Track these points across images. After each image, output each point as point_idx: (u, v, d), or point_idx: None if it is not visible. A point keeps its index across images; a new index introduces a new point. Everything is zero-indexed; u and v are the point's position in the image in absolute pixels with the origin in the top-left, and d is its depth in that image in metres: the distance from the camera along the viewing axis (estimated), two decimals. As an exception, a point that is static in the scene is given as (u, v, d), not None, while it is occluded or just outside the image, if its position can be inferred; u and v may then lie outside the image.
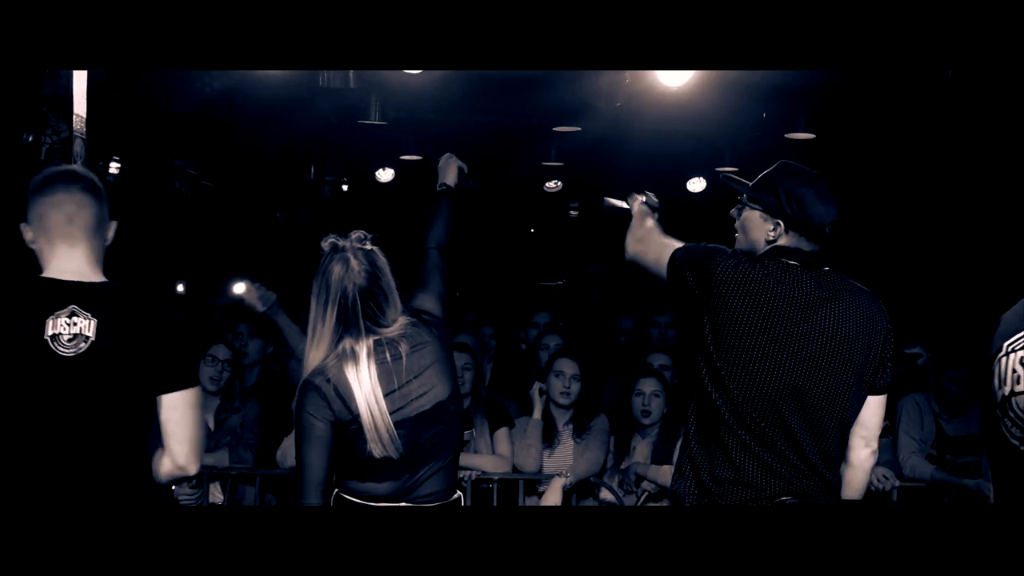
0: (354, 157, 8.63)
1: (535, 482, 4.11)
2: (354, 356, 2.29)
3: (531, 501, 4.11)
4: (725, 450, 2.37)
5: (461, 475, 4.00)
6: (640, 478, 4.09)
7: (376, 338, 2.33)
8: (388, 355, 2.33)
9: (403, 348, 2.35)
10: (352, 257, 2.32)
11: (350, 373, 2.29)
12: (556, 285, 10.52)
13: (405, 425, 2.32)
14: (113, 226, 2.31)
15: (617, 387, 4.75)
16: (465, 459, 4.04)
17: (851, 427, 2.45)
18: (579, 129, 6.70)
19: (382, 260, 2.38)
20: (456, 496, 2.45)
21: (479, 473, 4.03)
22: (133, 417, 2.21)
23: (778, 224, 2.44)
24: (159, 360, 2.20)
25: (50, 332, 2.11)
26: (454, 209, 2.74)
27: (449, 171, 2.84)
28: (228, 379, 4.20)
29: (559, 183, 9.76)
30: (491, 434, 4.13)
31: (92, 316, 2.13)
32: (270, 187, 9.34)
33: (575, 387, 4.16)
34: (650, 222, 2.67)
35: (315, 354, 2.33)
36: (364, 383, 2.28)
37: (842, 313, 2.39)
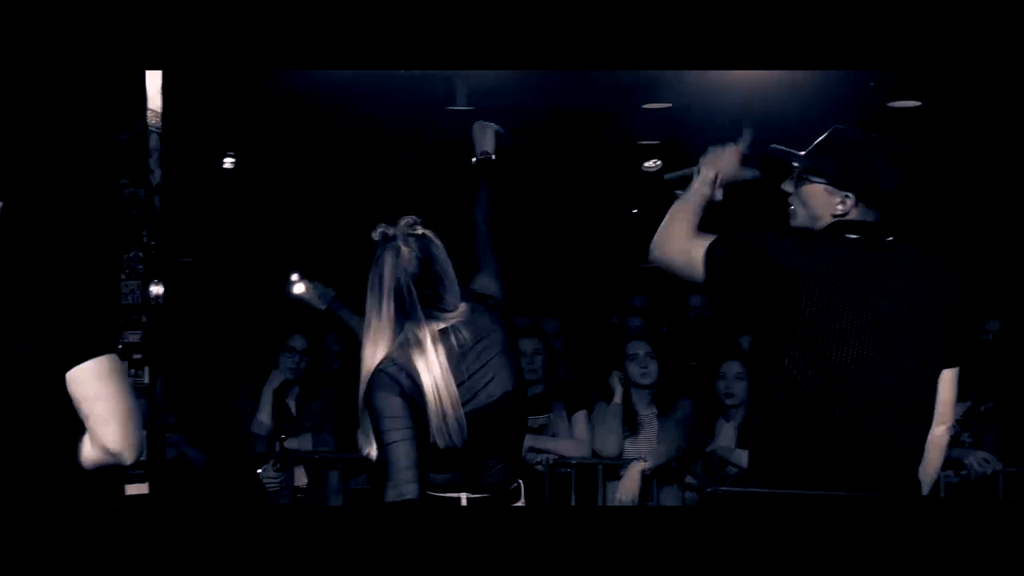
0: (443, 144, 8.67)
1: (615, 467, 4.04)
2: (419, 344, 2.23)
3: (611, 486, 4.04)
4: (795, 439, 2.24)
5: (537, 459, 3.97)
6: (724, 462, 3.97)
7: (440, 326, 2.27)
8: (455, 343, 2.27)
9: (468, 337, 2.28)
10: (403, 245, 2.26)
11: (419, 361, 2.22)
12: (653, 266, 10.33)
13: (472, 416, 2.25)
14: None
15: (698, 369, 4.63)
16: (541, 442, 4.00)
17: (925, 404, 2.29)
18: (669, 105, 6.53)
19: (435, 244, 2.31)
20: (515, 485, 2.39)
21: (556, 457, 3.98)
22: (39, 404, 1.90)
23: (847, 196, 2.24)
24: (59, 333, 1.88)
25: None
26: (496, 178, 2.62)
27: (486, 137, 2.68)
28: (307, 366, 4.28)
29: (658, 162, 9.56)
30: (569, 418, 4.07)
31: None
32: (368, 176, 9.47)
33: (652, 366, 4.07)
34: (689, 212, 2.35)
35: (372, 349, 2.27)
36: (434, 370, 2.21)
37: (908, 285, 2.21)
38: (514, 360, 2.35)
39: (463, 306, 2.32)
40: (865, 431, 2.20)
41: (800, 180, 2.32)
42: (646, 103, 6.56)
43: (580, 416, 4.08)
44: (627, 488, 3.88)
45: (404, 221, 2.31)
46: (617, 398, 4.08)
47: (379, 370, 2.24)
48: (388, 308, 2.25)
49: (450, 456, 2.26)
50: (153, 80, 3.51)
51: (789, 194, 2.36)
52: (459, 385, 2.24)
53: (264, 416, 4.34)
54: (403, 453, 2.15)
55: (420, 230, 2.31)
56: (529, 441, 3.98)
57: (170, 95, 3.61)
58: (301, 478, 4.27)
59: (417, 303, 2.24)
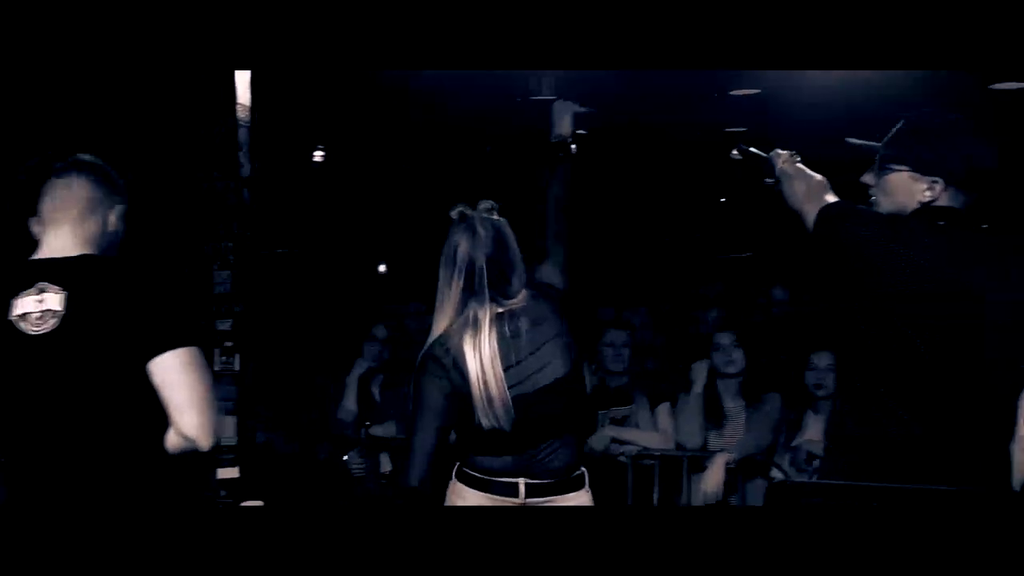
0: (529, 134, 8.66)
1: (700, 459, 3.99)
2: (475, 324, 2.28)
3: (695, 479, 3.99)
4: (877, 429, 2.19)
5: (620, 450, 3.95)
6: (812, 456, 3.88)
7: (500, 309, 2.32)
8: (508, 328, 2.31)
9: (523, 323, 2.32)
10: (479, 226, 2.32)
11: (468, 343, 2.28)
12: (745, 256, 10.16)
13: (522, 401, 2.29)
14: (116, 210, 2.18)
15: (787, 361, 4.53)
16: (625, 434, 3.97)
17: (1011, 397, 2.20)
18: (758, 91, 6.39)
19: (509, 230, 2.36)
20: (579, 472, 2.40)
21: (639, 449, 3.96)
22: (127, 391, 1.98)
23: (936, 182, 2.16)
24: (144, 323, 1.97)
25: (17, 312, 1.98)
26: (570, 163, 2.60)
27: (564, 120, 2.66)
28: (390, 354, 4.35)
29: (751, 148, 9.38)
30: (652, 409, 4.04)
31: (62, 289, 1.98)
32: (454, 167, 9.53)
33: (738, 355, 4.00)
34: (816, 177, 2.36)
35: (440, 323, 2.34)
36: (484, 351, 2.26)
37: (999, 272, 2.13)
38: (569, 346, 2.37)
39: (524, 292, 2.36)
40: (946, 422, 2.13)
41: (882, 170, 2.25)
42: (734, 90, 6.43)
43: (663, 408, 4.04)
44: (711, 481, 3.83)
45: (483, 205, 2.38)
46: (698, 388, 4.02)
47: (428, 353, 2.31)
48: (457, 283, 2.31)
49: (501, 440, 2.31)
50: (242, 76, 3.59)
51: (870, 187, 2.30)
52: (508, 368, 2.28)
53: (349, 403, 4.43)
54: (423, 439, 2.26)
55: (496, 215, 2.37)
56: (612, 432, 3.96)
57: (259, 91, 3.68)
58: (386, 464, 4.34)
59: (485, 283, 2.29)
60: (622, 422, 4.03)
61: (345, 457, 4.19)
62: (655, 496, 3.96)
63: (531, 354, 2.32)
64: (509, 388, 2.28)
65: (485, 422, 2.27)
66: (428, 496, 2.25)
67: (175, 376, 1.96)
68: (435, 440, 2.28)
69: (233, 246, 3.50)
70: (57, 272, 2.01)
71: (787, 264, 4.90)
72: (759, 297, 5.30)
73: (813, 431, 3.96)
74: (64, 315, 1.96)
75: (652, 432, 4.01)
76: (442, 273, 2.34)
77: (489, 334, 2.27)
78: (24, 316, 1.97)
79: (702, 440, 4.00)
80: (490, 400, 2.25)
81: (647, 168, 9.04)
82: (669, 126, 7.74)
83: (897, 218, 2.23)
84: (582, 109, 2.69)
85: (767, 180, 2.47)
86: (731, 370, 4.03)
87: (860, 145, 2.34)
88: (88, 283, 1.99)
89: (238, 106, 3.57)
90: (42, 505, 1.97)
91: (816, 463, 3.81)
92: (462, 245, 2.31)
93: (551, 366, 2.33)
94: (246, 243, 3.56)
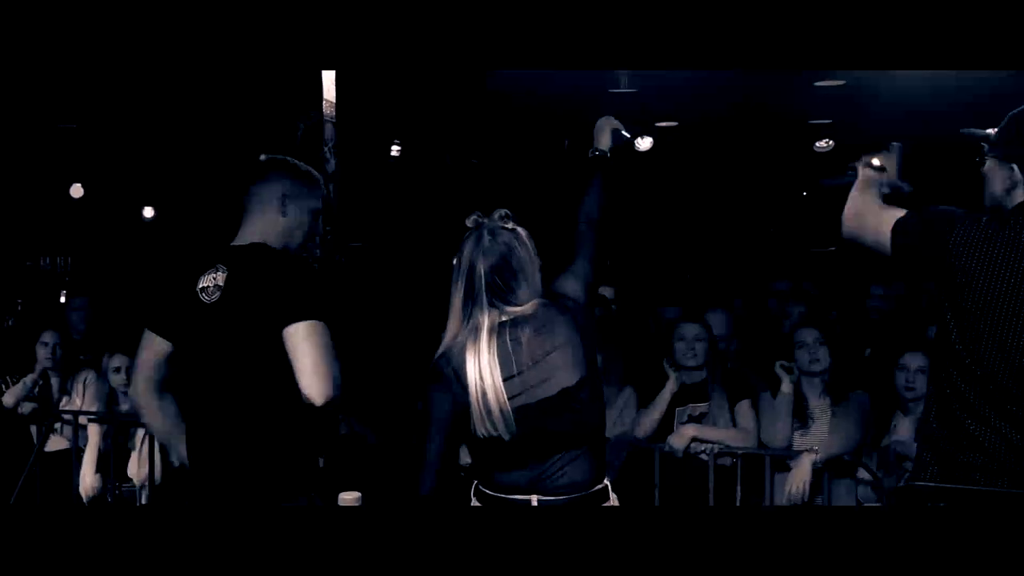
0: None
1: (783, 459, 3.91)
2: (476, 332, 2.26)
3: (778, 479, 3.92)
4: (972, 435, 2.12)
5: (702, 448, 3.89)
6: (902, 457, 3.78)
7: (502, 318, 2.27)
8: (508, 337, 2.26)
9: (526, 332, 2.26)
10: (487, 233, 2.30)
11: (469, 351, 2.25)
12: (828, 251, 9.94)
13: (525, 412, 2.23)
14: (297, 204, 2.60)
15: (875, 360, 4.42)
16: (706, 431, 3.92)
17: None
18: (843, 83, 6.25)
19: (521, 240, 2.32)
20: (600, 487, 2.32)
21: (721, 447, 3.90)
22: (273, 354, 2.38)
23: (1011, 168, 2.18)
24: (280, 298, 2.38)
25: (199, 286, 2.48)
26: (608, 177, 2.55)
27: (603, 134, 2.62)
28: None
29: (831, 142, 9.18)
30: (731, 407, 3.97)
31: (227, 270, 2.46)
32: (527, 161, 9.53)
33: (822, 352, 3.91)
34: (871, 192, 2.37)
35: (449, 332, 2.33)
36: (482, 359, 2.23)
37: None
38: (581, 356, 2.28)
39: (535, 302, 2.30)
40: None
41: (983, 158, 2.28)
42: (818, 81, 6.30)
43: (744, 405, 3.96)
44: (797, 480, 3.76)
45: (497, 213, 2.35)
46: (786, 387, 3.94)
47: (435, 363, 2.30)
48: (459, 290, 2.30)
49: (505, 453, 2.25)
50: (328, 73, 3.64)
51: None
52: (510, 378, 2.24)
53: None
54: (431, 450, 2.27)
55: (510, 224, 2.33)
56: (693, 430, 3.91)
57: (344, 87, 3.73)
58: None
59: (484, 290, 2.27)
60: (699, 420, 3.97)
61: None
62: (737, 496, 3.90)
63: (535, 363, 2.26)
64: (510, 399, 2.22)
65: (481, 431, 2.22)
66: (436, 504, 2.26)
67: (301, 344, 2.34)
68: (443, 449, 2.27)
69: (319, 241, 3.56)
70: (228, 256, 2.50)
71: (880, 261, 4.76)
72: (851, 294, 5.18)
73: (903, 431, 3.85)
74: (223, 289, 2.45)
75: (731, 429, 3.95)
76: (453, 281, 2.33)
77: (488, 342, 2.24)
78: (203, 290, 2.47)
79: (788, 440, 3.92)
80: (488, 410, 2.20)
81: (728, 164, 8.92)
82: (751, 120, 7.62)
83: (992, 216, 2.17)
84: (622, 130, 2.66)
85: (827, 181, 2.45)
86: (816, 368, 3.94)
87: (974, 135, 2.33)
88: (248, 266, 2.46)
89: (324, 103, 3.62)
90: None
91: (906, 464, 3.71)
92: (466, 251, 2.30)
93: (557, 377, 2.25)
94: (330, 239, 3.61)
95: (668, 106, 7.46)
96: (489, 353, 2.24)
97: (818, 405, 3.96)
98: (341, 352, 2.32)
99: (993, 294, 2.09)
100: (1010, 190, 2.20)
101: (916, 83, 6.00)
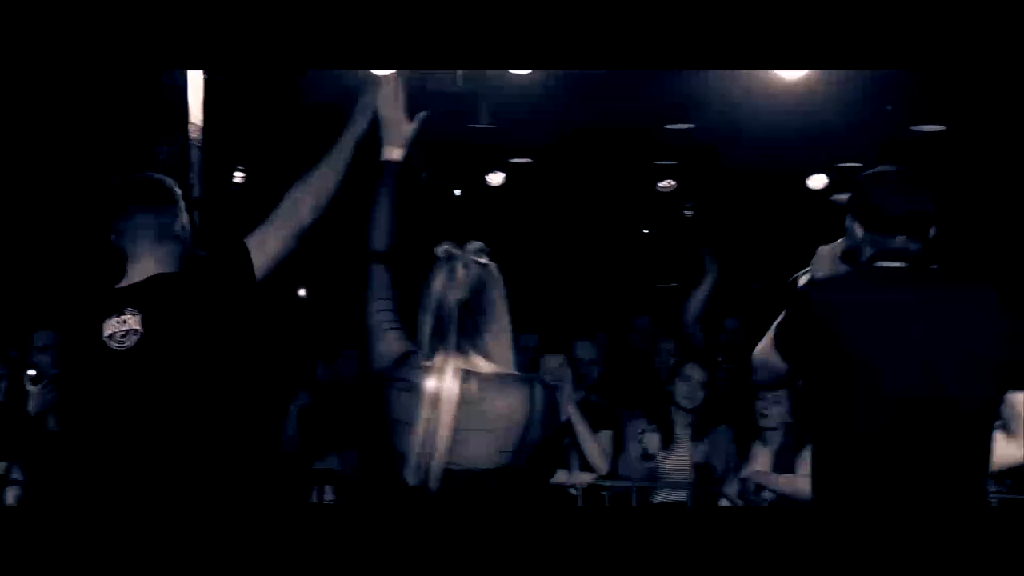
0: (464, 161, 8.67)
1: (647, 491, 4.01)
2: (440, 372, 2.12)
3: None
4: (856, 482, 2.22)
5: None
6: (760, 487, 3.92)
7: (466, 366, 2.13)
8: (462, 389, 2.12)
9: (484, 391, 2.12)
10: (460, 266, 2.17)
11: (428, 386, 2.12)
12: (671, 287, 10.33)
13: (447, 475, 2.11)
14: (182, 220, 2.43)
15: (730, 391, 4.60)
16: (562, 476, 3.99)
17: (991, 432, 2.27)
18: (692, 126, 6.54)
19: (493, 278, 2.20)
20: None
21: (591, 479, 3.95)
22: (218, 391, 2.29)
23: (854, 223, 2.32)
24: (216, 288, 2.30)
25: (105, 333, 2.28)
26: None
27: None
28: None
29: (672, 182, 9.58)
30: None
31: (138, 311, 2.28)
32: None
33: (700, 394, 4.05)
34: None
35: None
36: (440, 403, 2.10)
37: (950, 313, 2.22)
38: (524, 441, 2.14)
39: (503, 367, 2.17)
40: (921, 460, 2.19)
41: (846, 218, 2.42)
42: (668, 123, 6.58)
43: (605, 436, 4.08)
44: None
45: (471, 246, 2.22)
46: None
47: (386, 376, 2.21)
48: (427, 322, 2.16)
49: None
50: (195, 95, 3.50)
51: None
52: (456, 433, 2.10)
53: None
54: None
55: (484, 259, 2.21)
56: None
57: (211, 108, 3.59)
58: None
59: (454, 327, 2.14)
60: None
61: None
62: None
63: (475, 430, 2.12)
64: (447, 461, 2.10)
65: (412, 478, 2.11)
66: None
67: (265, 241, 2.32)
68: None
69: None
70: (135, 296, 2.31)
71: (735, 294, 4.96)
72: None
73: (760, 462, 4.00)
74: (143, 334, 2.26)
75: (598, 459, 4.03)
76: (420, 313, 2.19)
77: (452, 384, 2.11)
78: (111, 336, 2.27)
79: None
80: (428, 466, 2.09)
81: (578, 199, 9.14)
82: (605, 158, 7.85)
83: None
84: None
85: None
86: (688, 406, 4.09)
87: (838, 200, 2.48)
88: (164, 303, 2.29)
89: (191, 125, 3.47)
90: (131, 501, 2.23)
91: (766, 494, 3.85)
92: (438, 283, 2.16)
93: (488, 453, 2.12)
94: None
95: (523, 143, 7.60)
96: (446, 400, 2.10)
97: (683, 432, 4.11)
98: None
99: (854, 347, 2.20)
100: (859, 246, 2.33)
101: (759, 128, 6.35)
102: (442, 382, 2.11)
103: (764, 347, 2.40)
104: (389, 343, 2.24)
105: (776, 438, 3.98)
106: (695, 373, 4.09)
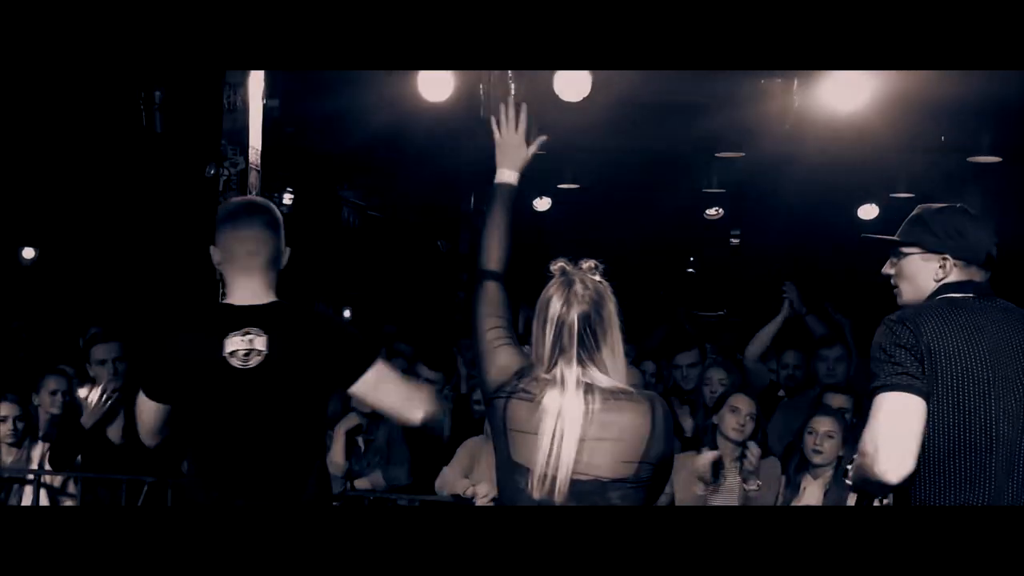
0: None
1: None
2: (562, 384, 2.16)
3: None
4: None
5: None
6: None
7: (585, 379, 2.17)
8: (584, 400, 2.16)
9: (601, 403, 2.16)
10: (578, 282, 2.20)
11: (550, 400, 2.15)
12: (716, 316, 10.24)
13: (577, 488, 2.14)
14: (287, 253, 2.51)
15: (782, 425, 4.55)
16: None
17: None
18: (743, 155, 6.51)
19: (610, 294, 2.23)
20: None
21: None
22: (313, 417, 2.44)
23: (945, 259, 2.35)
24: (334, 358, 2.41)
25: (228, 350, 2.36)
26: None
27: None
28: None
29: (720, 210, 9.53)
30: None
31: (264, 332, 2.36)
32: (432, 217, 9.52)
33: (750, 425, 4.00)
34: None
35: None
36: (565, 415, 2.13)
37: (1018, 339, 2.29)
38: (647, 456, 2.18)
39: (619, 380, 2.20)
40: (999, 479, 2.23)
41: (897, 256, 2.44)
42: (720, 152, 6.55)
43: None
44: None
45: (587, 264, 2.26)
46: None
47: (503, 392, 2.23)
48: (548, 336, 2.19)
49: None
50: (255, 117, 3.57)
51: (891, 276, 2.47)
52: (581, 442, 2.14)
53: None
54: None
55: (599, 276, 2.25)
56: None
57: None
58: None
59: (575, 342, 2.17)
60: None
61: None
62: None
63: (596, 440, 2.15)
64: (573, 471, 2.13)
65: (538, 493, 2.13)
66: None
67: (381, 387, 2.45)
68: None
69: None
70: (259, 318, 2.40)
71: (793, 327, 4.90)
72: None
73: (811, 495, 3.96)
74: (267, 355, 2.36)
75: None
76: (535, 325, 2.22)
77: (575, 397, 2.14)
78: (232, 354, 2.35)
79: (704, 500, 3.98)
80: (554, 476, 2.12)
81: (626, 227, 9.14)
82: (654, 184, 7.84)
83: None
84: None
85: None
86: (737, 438, 4.02)
87: (875, 239, 2.49)
88: (287, 328, 2.40)
89: (251, 150, 3.54)
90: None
91: None
92: (556, 297, 2.19)
93: (608, 464, 2.15)
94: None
95: (572, 169, 7.62)
96: (572, 409, 2.13)
97: (732, 465, 4.04)
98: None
99: (947, 379, 2.24)
100: (938, 280, 2.36)
101: (810, 157, 6.31)
102: (564, 394, 2.16)
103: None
104: (504, 357, 2.27)
105: (827, 472, 3.93)
106: (743, 404, 4.04)
